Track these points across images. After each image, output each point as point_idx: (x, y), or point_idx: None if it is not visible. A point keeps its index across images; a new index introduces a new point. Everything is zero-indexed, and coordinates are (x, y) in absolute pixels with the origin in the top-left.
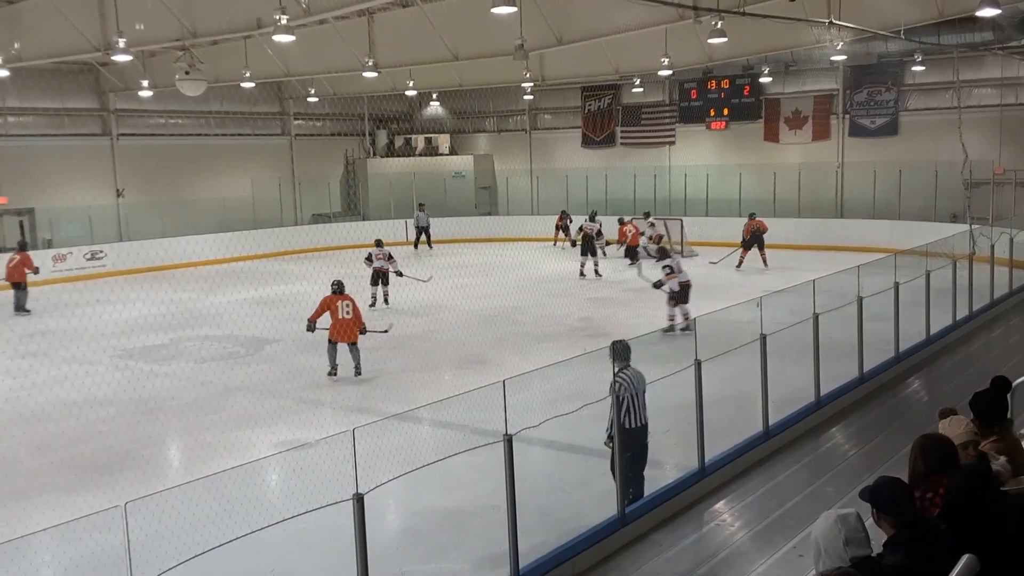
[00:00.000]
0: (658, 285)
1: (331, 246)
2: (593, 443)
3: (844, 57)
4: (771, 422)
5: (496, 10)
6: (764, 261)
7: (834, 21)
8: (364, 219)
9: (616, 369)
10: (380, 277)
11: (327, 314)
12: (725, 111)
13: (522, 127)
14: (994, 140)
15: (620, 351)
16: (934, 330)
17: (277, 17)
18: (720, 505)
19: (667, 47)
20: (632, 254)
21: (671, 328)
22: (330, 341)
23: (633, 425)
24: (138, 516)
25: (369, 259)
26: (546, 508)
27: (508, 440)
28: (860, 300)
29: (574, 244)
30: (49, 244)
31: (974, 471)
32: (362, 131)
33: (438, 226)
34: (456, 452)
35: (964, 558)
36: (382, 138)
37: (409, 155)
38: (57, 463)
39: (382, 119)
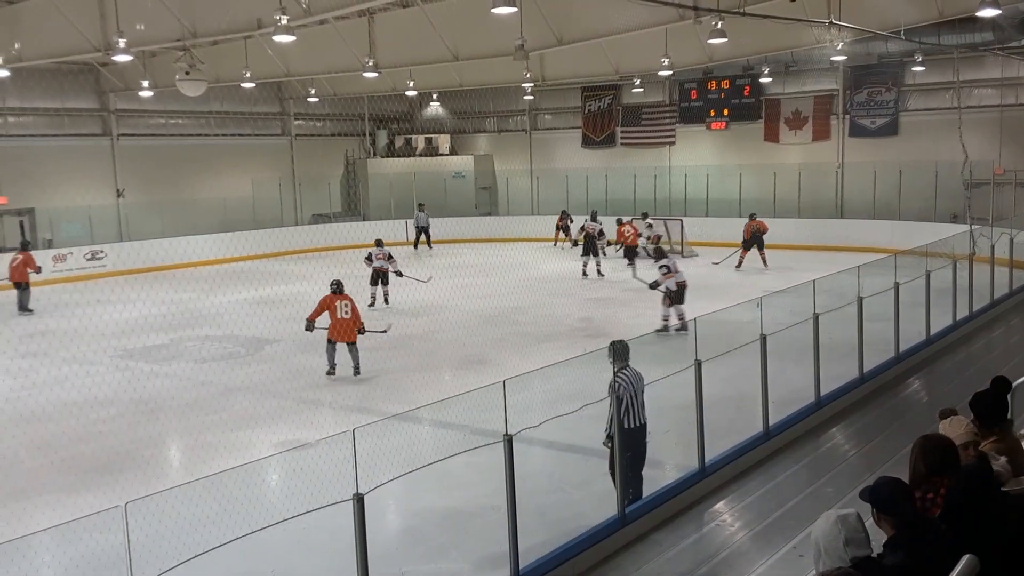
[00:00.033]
0: (654, 286)
1: (331, 246)
2: (593, 443)
3: (844, 57)
4: (771, 422)
5: (496, 10)
6: (764, 261)
7: (834, 21)
8: (364, 219)
9: (615, 369)
10: (380, 277)
11: (326, 314)
12: (725, 111)
13: (522, 127)
14: (994, 140)
15: (619, 351)
16: (934, 330)
17: (277, 17)
18: (720, 505)
19: (667, 47)
20: (631, 254)
21: (665, 328)
22: (329, 341)
23: (632, 425)
24: (138, 516)
25: (369, 259)
26: (546, 508)
27: (508, 440)
28: (860, 300)
29: (576, 244)
30: (49, 244)
31: (975, 472)
32: (362, 131)
33: (438, 226)
34: (456, 452)
35: (964, 558)
36: (382, 138)
37: (409, 155)
38: (57, 463)
39: (382, 119)
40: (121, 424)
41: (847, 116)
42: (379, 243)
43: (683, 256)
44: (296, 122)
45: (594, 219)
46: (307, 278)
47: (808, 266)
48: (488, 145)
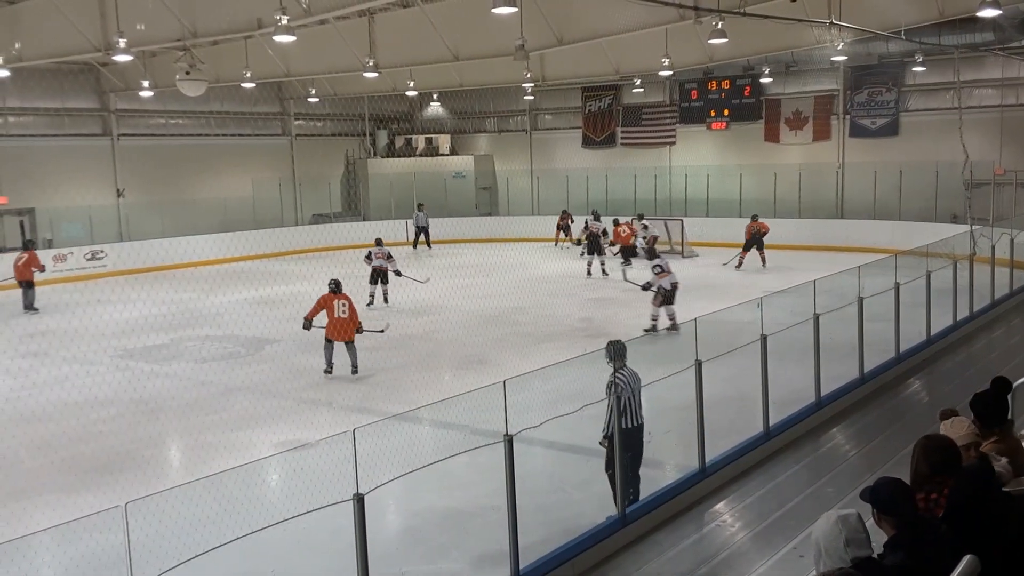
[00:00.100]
0: (647, 287)
1: (331, 246)
2: (594, 443)
3: (845, 57)
4: (772, 422)
5: (497, 10)
6: (763, 261)
7: (835, 22)
8: (364, 219)
9: (613, 369)
10: (379, 276)
11: (325, 313)
12: (726, 111)
13: (523, 127)
14: (995, 141)
15: (617, 351)
16: (935, 331)
17: (278, 17)
18: (721, 506)
19: (668, 47)
20: (631, 254)
21: (653, 328)
22: (327, 340)
23: (630, 425)
24: (138, 516)
25: (369, 257)
26: (546, 508)
27: (508, 440)
28: (861, 300)
29: (579, 243)
30: (50, 244)
31: (977, 472)
32: (362, 131)
33: (439, 226)
34: (456, 452)
35: (965, 559)
36: (382, 138)
37: (409, 155)
38: (57, 463)
39: (382, 119)
40: (121, 424)
41: (847, 116)
42: (379, 242)
43: (683, 256)
44: (296, 122)
45: (597, 219)
46: (307, 278)
47: (808, 266)
48: (488, 145)
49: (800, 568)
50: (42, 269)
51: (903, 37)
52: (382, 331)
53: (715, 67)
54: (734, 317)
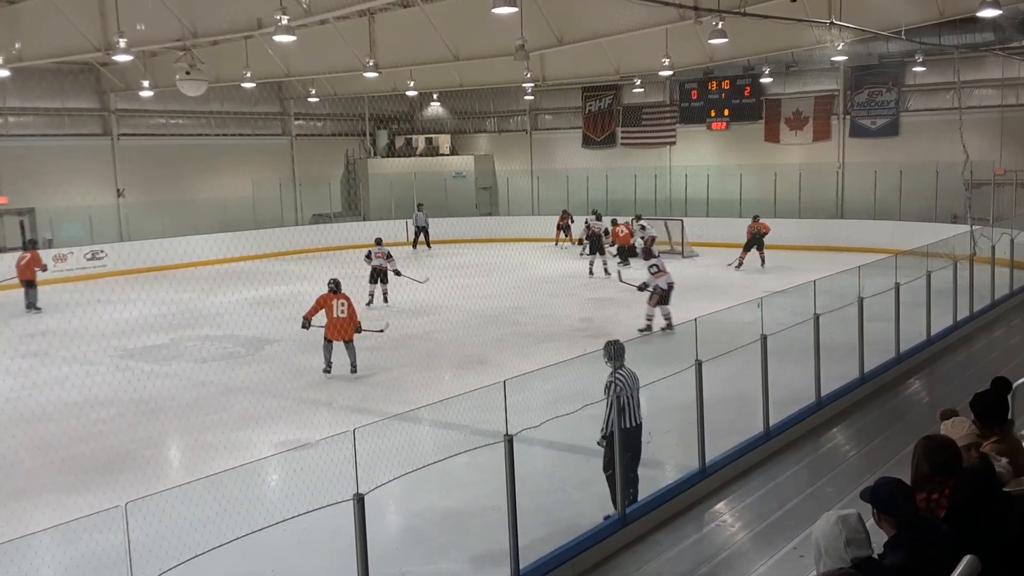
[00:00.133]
0: (642, 288)
1: (331, 246)
2: (594, 443)
3: (845, 58)
4: (772, 423)
5: (497, 10)
6: (762, 261)
7: (835, 22)
8: (365, 219)
9: (612, 369)
10: (379, 275)
11: (324, 313)
12: (726, 111)
13: (523, 127)
14: (995, 141)
15: (616, 351)
16: (935, 331)
17: (278, 17)
18: (721, 506)
19: (668, 47)
20: (630, 254)
21: (648, 328)
22: (326, 339)
23: (628, 425)
24: (138, 516)
25: (368, 257)
26: (547, 508)
27: (509, 440)
28: (861, 301)
29: (581, 243)
30: (50, 244)
31: (977, 472)
32: (363, 131)
33: (439, 226)
34: (456, 452)
35: (965, 559)
36: (383, 138)
37: (410, 155)
38: (57, 463)
39: (383, 119)
40: (121, 424)
41: (848, 116)
42: (379, 242)
43: (683, 256)
44: (296, 122)
45: (598, 218)
46: (307, 278)
47: (809, 266)
48: (488, 145)
49: (800, 568)
50: (44, 268)
51: (903, 37)
52: (381, 331)
53: (715, 67)
54: (734, 317)
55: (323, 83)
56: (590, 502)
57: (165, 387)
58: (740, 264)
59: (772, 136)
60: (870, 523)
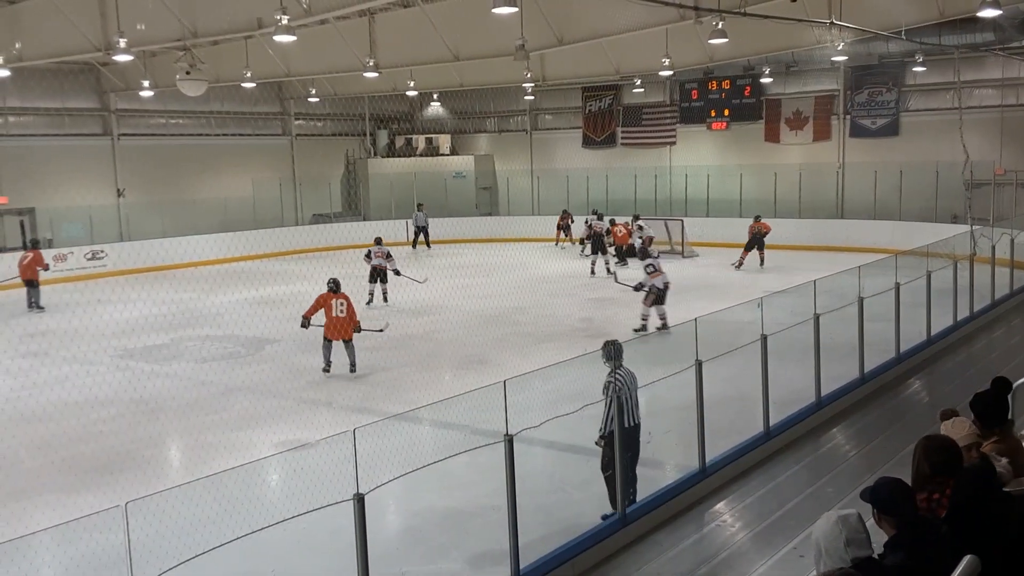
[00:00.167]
0: (639, 288)
1: (332, 246)
2: (594, 444)
3: (845, 58)
4: (772, 423)
5: (497, 10)
6: (761, 260)
7: (835, 22)
8: (365, 219)
9: (610, 369)
10: (378, 275)
11: (323, 313)
12: (726, 111)
13: (523, 127)
14: (995, 141)
15: (615, 351)
16: (935, 331)
17: (278, 17)
18: (721, 506)
19: (668, 47)
20: (628, 254)
21: (643, 328)
22: (325, 339)
23: (627, 425)
24: (138, 516)
25: (368, 256)
26: (547, 508)
27: (509, 440)
28: (861, 301)
29: (583, 242)
30: (50, 244)
31: (978, 472)
32: (363, 131)
33: (439, 226)
34: (457, 452)
35: (966, 559)
36: (383, 138)
37: (410, 155)
38: (57, 463)
39: (383, 119)
40: (121, 424)
41: (848, 116)
42: (378, 241)
43: (684, 256)
44: (296, 122)
45: (600, 218)
46: (307, 278)
47: (809, 266)
48: (489, 145)
49: (800, 568)
50: (46, 268)
51: (903, 37)
52: (381, 330)
53: (715, 67)
54: (734, 317)
55: (323, 83)
56: (590, 502)
57: (165, 387)
58: (740, 264)
59: (772, 136)
60: (870, 523)
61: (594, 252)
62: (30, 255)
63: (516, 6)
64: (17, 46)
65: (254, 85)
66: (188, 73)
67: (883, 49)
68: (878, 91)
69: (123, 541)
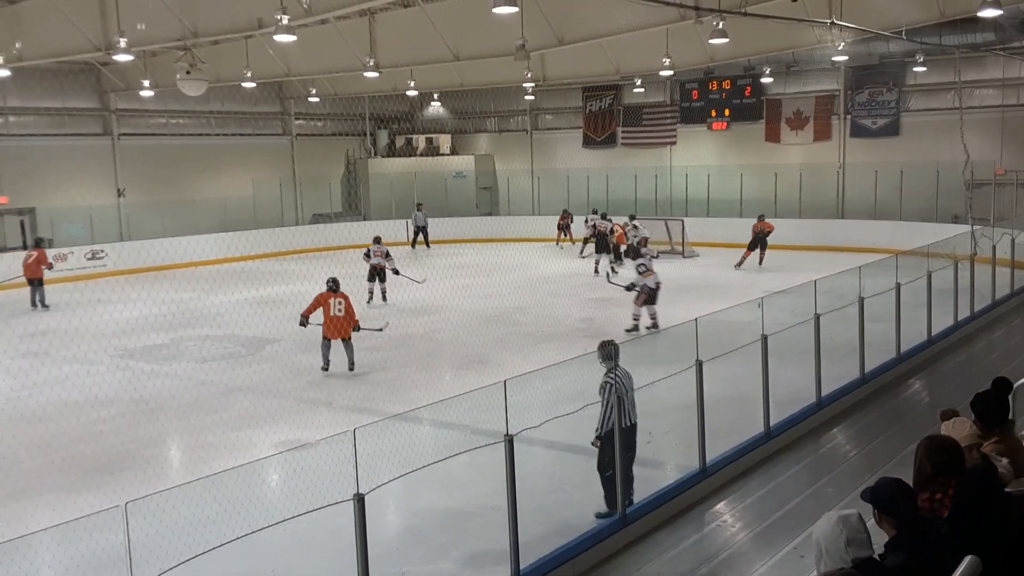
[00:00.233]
0: (631, 288)
1: (332, 246)
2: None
3: (845, 57)
4: (772, 423)
5: (497, 10)
6: (760, 259)
7: (835, 21)
8: (365, 219)
9: (606, 369)
10: (377, 274)
11: (322, 312)
12: (726, 111)
13: (523, 127)
14: (995, 141)
15: (612, 352)
16: (935, 331)
17: (278, 17)
18: (721, 506)
19: (668, 47)
20: (631, 253)
21: (635, 328)
22: (324, 338)
23: (625, 425)
24: (138, 516)
25: (367, 255)
26: (546, 508)
27: (509, 440)
28: (861, 301)
29: (585, 242)
30: (50, 244)
31: (979, 473)
32: (363, 131)
33: (439, 226)
34: (457, 452)
35: (966, 559)
36: (383, 138)
37: (410, 155)
38: (57, 463)
39: (383, 119)
40: (121, 424)
41: (848, 116)
42: (377, 240)
43: (684, 256)
44: (297, 122)
45: (604, 218)
46: (307, 278)
47: (809, 266)
48: (489, 145)
49: (801, 568)
50: (50, 267)
51: (904, 37)
52: (380, 329)
53: (716, 67)
54: (734, 317)
55: (323, 83)
56: (590, 502)
57: (165, 387)
58: (741, 263)
59: (773, 136)
60: (871, 523)
61: (598, 251)
62: (34, 254)
63: (516, 6)
64: (17, 46)
65: (254, 85)
66: (188, 73)
67: (884, 49)
68: (879, 91)
69: (123, 541)
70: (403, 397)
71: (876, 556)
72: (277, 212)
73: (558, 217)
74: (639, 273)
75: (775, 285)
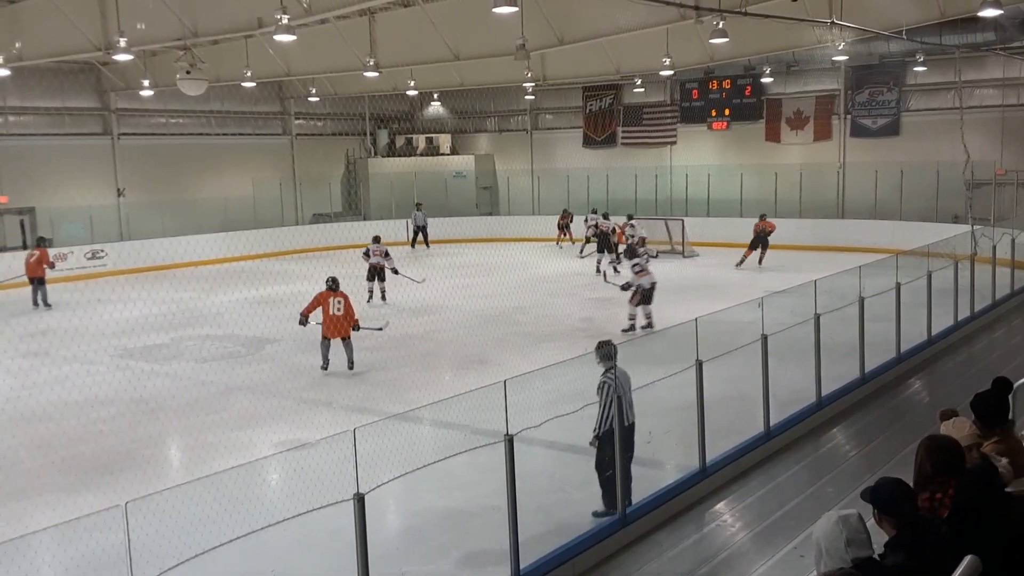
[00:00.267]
0: (626, 287)
1: (332, 246)
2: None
3: (846, 57)
4: (772, 423)
5: (497, 10)
6: (760, 259)
7: (836, 21)
8: (365, 219)
9: (604, 369)
10: (376, 273)
11: (321, 311)
12: (726, 111)
13: (523, 127)
14: (996, 140)
15: (611, 352)
16: (935, 331)
17: (278, 17)
18: (721, 506)
19: (668, 47)
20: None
21: (631, 328)
22: (323, 337)
23: (623, 424)
24: (138, 516)
25: (367, 254)
26: (546, 508)
27: (509, 440)
28: (861, 301)
29: (587, 241)
30: (50, 244)
31: (979, 473)
32: (363, 131)
33: (439, 226)
34: (456, 452)
35: (966, 559)
36: (383, 138)
37: (410, 155)
38: (57, 463)
39: (383, 119)
40: (121, 424)
41: (848, 116)
42: (377, 239)
43: (684, 256)
44: (297, 121)
45: (606, 217)
46: (307, 278)
47: (809, 266)
48: (489, 145)
49: (801, 568)
50: (52, 266)
51: (904, 37)
52: (380, 329)
53: (716, 67)
54: (734, 317)
55: (323, 83)
56: (590, 502)
57: (165, 387)
58: (742, 262)
59: (773, 136)
60: (871, 523)
61: (600, 251)
62: (36, 253)
63: (516, 6)
64: (17, 46)
65: (254, 85)
66: (188, 72)
67: (884, 49)
68: (879, 91)
69: (123, 541)
70: (403, 397)
71: (876, 556)
72: (277, 212)
73: (558, 217)
74: (634, 273)
75: (775, 285)
